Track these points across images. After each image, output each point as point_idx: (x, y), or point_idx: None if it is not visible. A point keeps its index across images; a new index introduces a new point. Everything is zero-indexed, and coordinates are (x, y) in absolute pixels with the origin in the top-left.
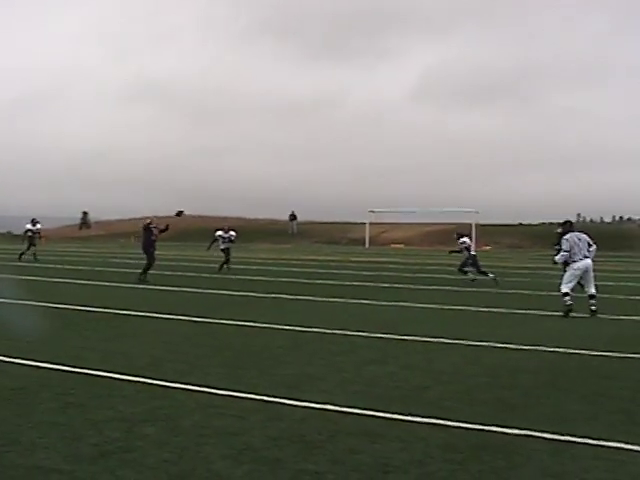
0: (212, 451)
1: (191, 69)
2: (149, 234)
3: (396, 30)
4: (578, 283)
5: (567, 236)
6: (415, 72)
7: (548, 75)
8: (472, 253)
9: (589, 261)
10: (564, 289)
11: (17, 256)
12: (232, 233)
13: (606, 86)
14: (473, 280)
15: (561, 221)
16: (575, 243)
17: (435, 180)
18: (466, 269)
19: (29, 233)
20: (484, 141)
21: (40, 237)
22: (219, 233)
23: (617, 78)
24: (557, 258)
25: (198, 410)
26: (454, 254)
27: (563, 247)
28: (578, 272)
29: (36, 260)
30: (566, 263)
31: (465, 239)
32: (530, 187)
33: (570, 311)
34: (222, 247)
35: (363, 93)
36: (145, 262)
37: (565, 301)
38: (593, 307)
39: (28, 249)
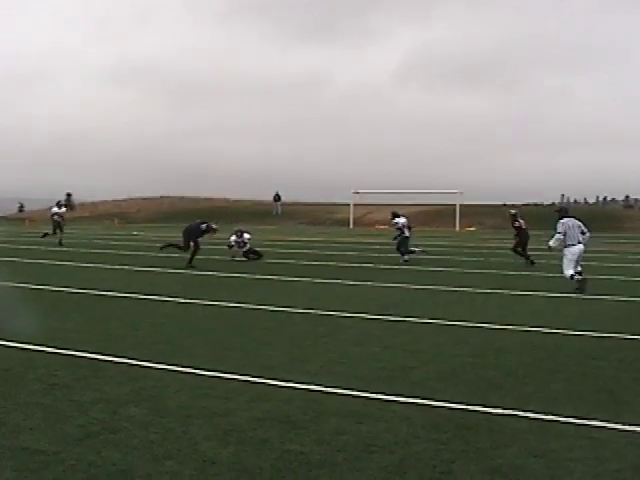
0: (198, 432)
1: (175, 50)
2: (199, 227)
3: (382, 11)
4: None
5: (563, 220)
6: (400, 53)
7: (533, 56)
8: (406, 235)
9: (582, 246)
10: (569, 272)
11: (41, 235)
12: (246, 236)
13: (591, 68)
14: (406, 261)
15: (552, 202)
16: (570, 228)
17: (420, 160)
18: (407, 249)
19: (56, 217)
20: (469, 122)
21: (64, 220)
22: (233, 239)
23: (602, 60)
24: (551, 243)
25: (183, 391)
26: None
27: (558, 230)
28: (574, 257)
29: (61, 245)
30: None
31: (399, 219)
32: (515, 168)
33: (585, 282)
34: (245, 250)
35: (348, 74)
36: (191, 250)
37: (577, 279)
38: (580, 280)
39: (54, 233)
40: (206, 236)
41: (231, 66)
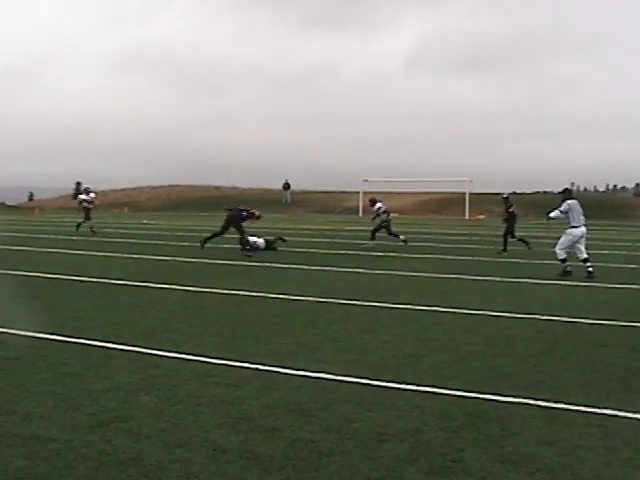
0: (208, 420)
1: (185, 39)
2: (240, 213)
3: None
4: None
5: (569, 201)
6: (410, 41)
7: (543, 44)
8: (388, 218)
9: (585, 229)
10: (562, 255)
11: (74, 227)
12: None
13: (601, 56)
14: (371, 248)
15: (559, 190)
16: (574, 209)
17: (430, 148)
18: (374, 235)
19: (84, 204)
20: (479, 110)
21: (95, 207)
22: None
23: (612, 48)
24: (552, 214)
25: (194, 379)
26: (375, 219)
27: (562, 208)
28: (575, 238)
29: (94, 233)
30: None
31: (379, 204)
32: (524, 156)
33: (569, 274)
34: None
35: (358, 62)
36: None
37: (565, 267)
38: (590, 269)
39: (85, 221)
40: (248, 222)
41: (241, 55)
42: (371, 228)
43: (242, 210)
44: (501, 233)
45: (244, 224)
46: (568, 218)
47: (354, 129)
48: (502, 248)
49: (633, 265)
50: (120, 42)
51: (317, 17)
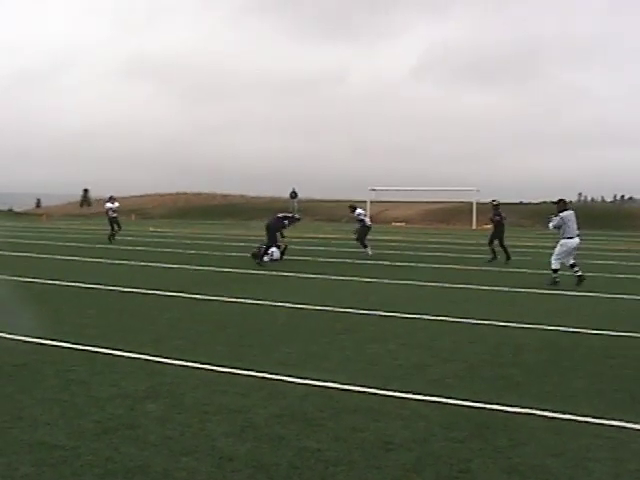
0: (215, 428)
1: (190, 45)
2: (280, 221)
3: (398, 8)
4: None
5: (563, 214)
6: (417, 50)
7: (549, 54)
8: (368, 224)
9: (578, 240)
10: (556, 265)
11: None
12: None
13: (607, 64)
14: (369, 254)
15: (570, 201)
16: (570, 220)
17: (436, 158)
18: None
19: (110, 213)
20: (485, 119)
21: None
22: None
23: (617, 57)
24: (551, 225)
25: (201, 387)
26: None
27: (555, 223)
28: (570, 249)
29: (110, 242)
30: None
31: (359, 210)
32: (531, 166)
33: (557, 284)
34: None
35: (364, 70)
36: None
37: (555, 277)
38: (579, 273)
39: (113, 229)
40: (291, 226)
41: (248, 62)
42: (356, 236)
43: (282, 218)
44: (507, 243)
45: (284, 230)
46: (563, 230)
47: (362, 137)
48: (492, 257)
49: None
50: (128, 49)
51: (325, 24)
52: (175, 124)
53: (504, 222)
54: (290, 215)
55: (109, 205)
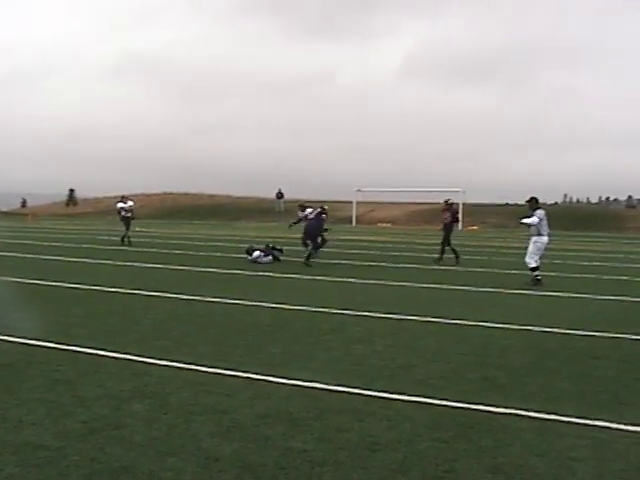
0: (200, 428)
1: (179, 47)
2: (319, 221)
3: (385, 9)
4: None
5: (539, 211)
6: (403, 51)
7: (536, 55)
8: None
9: (548, 238)
10: (533, 264)
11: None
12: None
13: (595, 67)
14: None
15: (555, 202)
16: (544, 218)
17: (422, 159)
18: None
19: (123, 212)
20: (471, 120)
21: (133, 216)
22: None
23: (606, 59)
24: (528, 220)
25: (186, 387)
26: (293, 225)
27: (538, 217)
28: (542, 246)
29: (122, 243)
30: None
31: (309, 209)
32: (517, 167)
33: (539, 282)
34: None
35: (351, 71)
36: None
37: (536, 275)
38: (539, 277)
39: (127, 229)
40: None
41: (235, 63)
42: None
43: (318, 215)
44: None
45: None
46: (537, 228)
47: (348, 138)
48: (439, 256)
49: (625, 277)
50: (116, 49)
51: (313, 26)
52: (163, 124)
53: (453, 222)
54: (320, 209)
55: (121, 205)
